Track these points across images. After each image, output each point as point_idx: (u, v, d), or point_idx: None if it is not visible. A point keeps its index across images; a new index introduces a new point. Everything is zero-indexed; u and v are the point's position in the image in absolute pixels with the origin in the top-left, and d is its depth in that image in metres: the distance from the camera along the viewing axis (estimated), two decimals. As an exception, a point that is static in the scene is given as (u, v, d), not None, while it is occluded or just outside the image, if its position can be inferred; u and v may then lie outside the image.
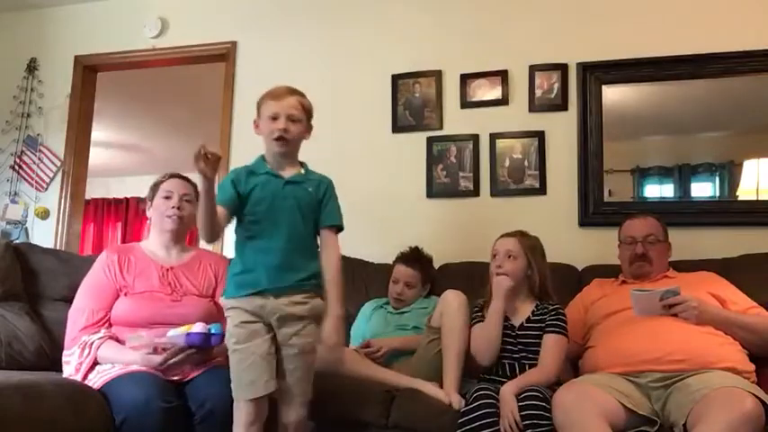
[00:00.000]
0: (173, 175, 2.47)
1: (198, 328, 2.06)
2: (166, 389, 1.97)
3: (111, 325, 2.23)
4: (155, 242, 2.42)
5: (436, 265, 2.80)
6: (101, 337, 2.17)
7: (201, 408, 1.97)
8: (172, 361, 2.06)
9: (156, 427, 1.86)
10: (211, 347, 2.11)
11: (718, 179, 2.97)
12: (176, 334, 2.08)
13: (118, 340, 2.19)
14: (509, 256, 2.30)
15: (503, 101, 3.20)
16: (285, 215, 1.94)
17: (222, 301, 1.96)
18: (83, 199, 4.18)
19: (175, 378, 2.09)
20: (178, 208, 2.38)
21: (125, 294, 2.26)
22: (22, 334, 2.42)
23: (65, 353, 2.24)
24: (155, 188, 2.44)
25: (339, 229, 2.03)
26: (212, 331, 2.07)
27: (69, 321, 2.27)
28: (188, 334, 2.05)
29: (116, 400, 1.95)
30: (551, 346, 2.16)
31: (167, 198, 2.39)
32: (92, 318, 2.22)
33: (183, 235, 2.47)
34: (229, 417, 1.99)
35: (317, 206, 2.00)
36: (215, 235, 1.90)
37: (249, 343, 1.85)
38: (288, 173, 2.01)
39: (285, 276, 1.89)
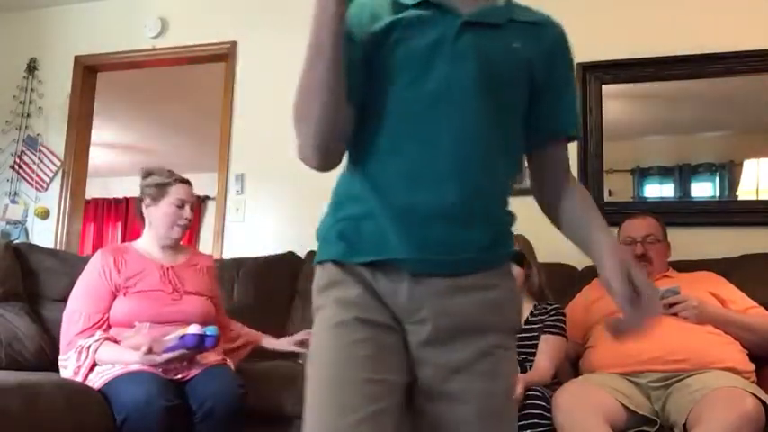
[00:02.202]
0: (181, 180, 2.41)
1: (193, 329, 2.06)
2: (167, 388, 1.97)
3: (108, 327, 2.22)
4: (150, 242, 2.41)
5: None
6: (97, 340, 2.16)
7: (202, 407, 1.97)
8: (167, 356, 2.06)
9: (156, 426, 1.86)
10: (206, 349, 2.11)
11: (718, 179, 2.97)
12: (172, 337, 2.08)
13: (114, 341, 2.19)
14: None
15: (503, 101, 3.19)
16: (457, 98, 0.96)
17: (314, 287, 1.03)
18: (83, 199, 4.18)
19: (176, 377, 2.09)
20: (189, 219, 2.37)
21: (124, 294, 2.26)
22: (22, 334, 2.42)
23: (61, 357, 2.23)
24: (161, 189, 2.37)
25: (572, 140, 1.10)
26: (207, 333, 2.07)
27: (64, 325, 2.25)
28: (182, 336, 2.05)
29: (117, 399, 1.95)
30: (548, 347, 2.15)
31: (180, 207, 2.35)
32: (87, 321, 2.21)
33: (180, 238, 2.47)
34: (230, 416, 2.00)
35: (529, 83, 1.02)
36: (333, 144, 0.98)
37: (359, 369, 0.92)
38: (467, 3, 1.00)
39: (456, 236, 0.96)
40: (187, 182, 2.44)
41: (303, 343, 2.39)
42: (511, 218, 1.07)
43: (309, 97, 0.94)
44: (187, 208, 2.37)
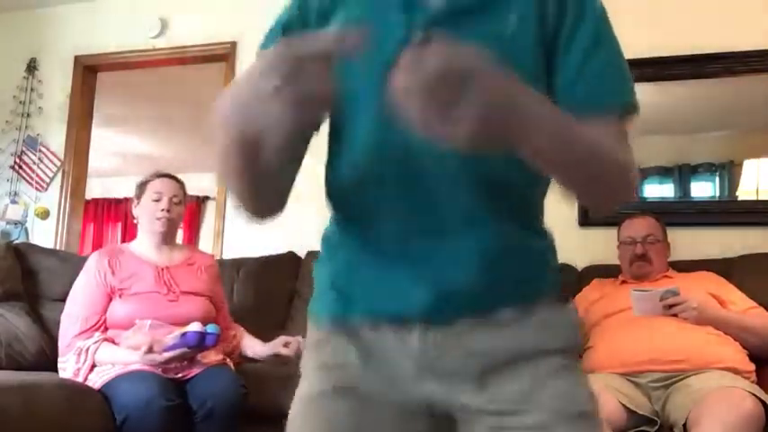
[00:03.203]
0: (161, 175, 2.43)
1: (194, 327, 2.06)
2: (168, 387, 1.97)
3: (106, 329, 2.22)
4: (145, 243, 2.41)
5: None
6: (95, 342, 2.17)
7: (203, 406, 1.97)
8: (168, 355, 2.05)
9: (157, 426, 1.87)
10: (207, 347, 2.12)
11: (718, 179, 2.96)
12: (172, 336, 2.08)
13: (113, 342, 2.19)
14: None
15: (503, 101, 3.19)
16: None
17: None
18: (83, 199, 4.18)
19: (176, 376, 2.09)
20: (167, 210, 2.36)
21: (120, 297, 2.25)
22: (22, 334, 2.42)
23: (60, 359, 2.23)
24: (142, 187, 2.41)
25: (626, 111, 0.83)
26: (208, 331, 2.07)
27: (62, 328, 2.26)
28: (183, 334, 2.05)
29: (117, 399, 1.95)
30: None
31: (156, 201, 2.36)
32: (85, 324, 2.21)
33: (173, 235, 2.46)
34: (230, 416, 2.00)
35: (547, 58, 0.77)
36: (270, 199, 0.83)
37: None
38: None
39: (478, 276, 0.75)
40: (168, 176, 2.44)
41: (279, 346, 2.32)
42: (543, 240, 0.83)
43: (230, 172, 0.77)
44: (164, 200, 2.36)
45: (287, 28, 0.81)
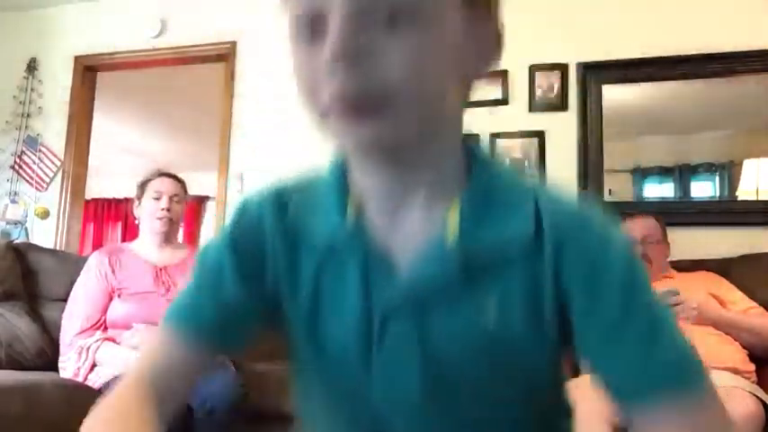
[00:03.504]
0: (161, 174, 2.43)
1: None
2: (167, 388, 1.97)
3: (106, 328, 2.23)
4: (145, 242, 2.41)
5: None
6: (97, 341, 2.17)
7: (202, 406, 1.97)
8: None
9: (156, 427, 1.87)
10: None
11: (717, 179, 2.97)
12: None
13: (114, 342, 2.19)
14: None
15: (502, 101, 3.19)
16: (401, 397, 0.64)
17: None
18: (83, 199, 4.18)
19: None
20: (168, 210, 2.36)
21: (119, 296, 2.25)
22: (22, 334, 2.42)
23: (61, 358, 2.24)
24: (143, 186, 2.41)
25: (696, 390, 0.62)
26: None
27: (63, 327, 2.26)
28: None
29: (116, 399, 1.95)
30: None
31: (156, 199, 2.36)
32: (86, 323, 2.21)
33: (174, 234, 2.46)
34: (230, 416, 2.00)
35: (540, 339, 0.61)
36: None
37: None
38: (405, 236, 0.62)
39: None
40: (168, 175, 2.43)
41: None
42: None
43: None
44: (164, 199, 2.36)
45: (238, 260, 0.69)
